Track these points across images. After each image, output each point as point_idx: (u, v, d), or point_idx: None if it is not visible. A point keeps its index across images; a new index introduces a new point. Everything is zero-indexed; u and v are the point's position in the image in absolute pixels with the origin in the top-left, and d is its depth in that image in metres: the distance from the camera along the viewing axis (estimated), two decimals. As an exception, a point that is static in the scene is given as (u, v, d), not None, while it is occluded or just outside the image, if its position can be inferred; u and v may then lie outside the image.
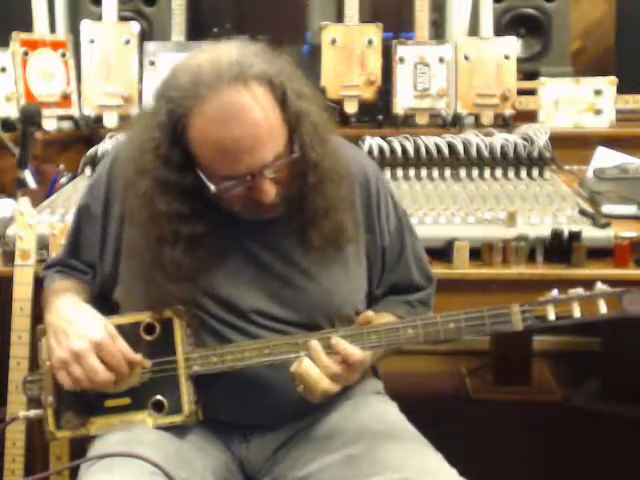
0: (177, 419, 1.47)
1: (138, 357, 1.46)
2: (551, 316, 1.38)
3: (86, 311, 1.48)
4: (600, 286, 1.39)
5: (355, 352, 1.40)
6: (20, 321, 1.80)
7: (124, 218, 1.52)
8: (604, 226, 1.92)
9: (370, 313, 1.45)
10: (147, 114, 1.44)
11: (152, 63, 2.78)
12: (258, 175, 1.38)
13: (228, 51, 1.38)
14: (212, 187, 1.39)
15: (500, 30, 2.92)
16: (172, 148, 1.39)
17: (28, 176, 2.21)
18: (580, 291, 1.38)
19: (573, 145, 2.59)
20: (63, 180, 2.30)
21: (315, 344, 1.40)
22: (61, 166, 2.34)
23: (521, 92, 2.78)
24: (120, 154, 1.55)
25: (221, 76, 1.34)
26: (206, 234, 1.45)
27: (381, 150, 2.26)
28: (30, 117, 2.32)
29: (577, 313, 1.37)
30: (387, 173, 2.23)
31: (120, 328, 1.46)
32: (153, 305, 1.48)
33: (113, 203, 1.54)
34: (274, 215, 1.46)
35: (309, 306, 1.50)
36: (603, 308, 1.38)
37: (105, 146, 2.25)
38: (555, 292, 1.39)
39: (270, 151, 1.37)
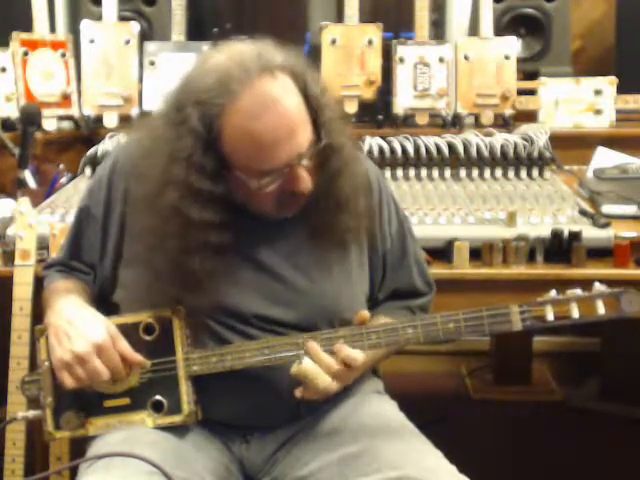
0: (176, 419, 1.47)
1: (139, 358, 1.45)
2: (550, 316, 1.38)
3: (87, 311, 1.48)
4: (598, 286, 1.39)
5: (358, 357, 1.40)
6: (20, 321, 1.80)
7: (125, 223, 1.51)
8: (604, 226, 1.92)
9: (365, 312, 1.46)
10: (167, 125, 1.40)
11: (152, 63, 2.78)
12: (296, 164, 1.38)
13: (246, 47, 1.39)
14: (255, 183, 1.38)
15: (500, 30, 2.92)
16: (205, 154, 1.38)
17: (28, 176, 2.21)
18: (578, 291, 1.39)
19: (573, 145, 2.59)
20: (63, 180, 2.30)
21: (313, 344, 1.40)
22: (61, 166, 2.33)
23: (521, 92, 2.78)
24: (128, 162, 1.52)
25: (249, 69, 1.34)
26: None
27: (381, 150, 2.25)
28: (30, 117, 2.32)
29: (575, 313, 1.38)
30: (387, 173, 2.23)
31: (119, 328, 1.45)
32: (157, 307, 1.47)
33: (114, 206, 1.54)
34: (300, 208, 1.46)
35: (311, 309, 1.50)
36: (601, 308, 1.38)
37: (105, 146, 2.25)
38: (554, 292, 1.40)
39: (304, 138, 1.38)
